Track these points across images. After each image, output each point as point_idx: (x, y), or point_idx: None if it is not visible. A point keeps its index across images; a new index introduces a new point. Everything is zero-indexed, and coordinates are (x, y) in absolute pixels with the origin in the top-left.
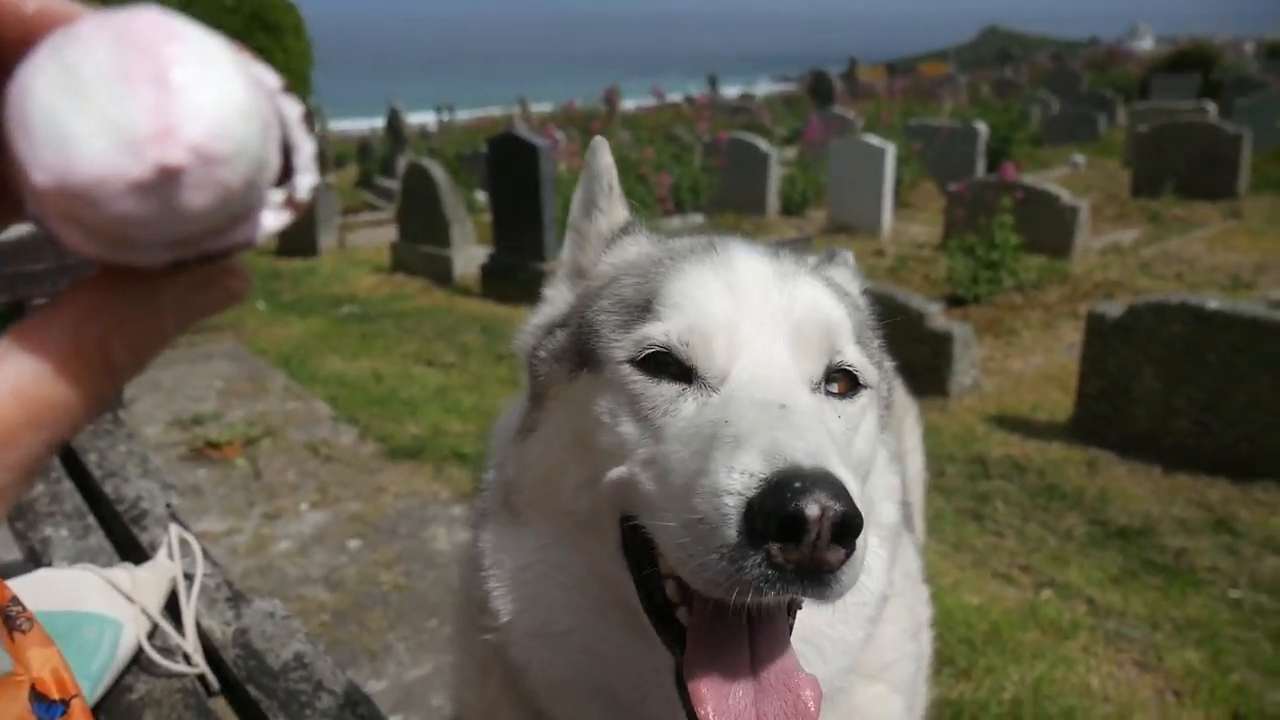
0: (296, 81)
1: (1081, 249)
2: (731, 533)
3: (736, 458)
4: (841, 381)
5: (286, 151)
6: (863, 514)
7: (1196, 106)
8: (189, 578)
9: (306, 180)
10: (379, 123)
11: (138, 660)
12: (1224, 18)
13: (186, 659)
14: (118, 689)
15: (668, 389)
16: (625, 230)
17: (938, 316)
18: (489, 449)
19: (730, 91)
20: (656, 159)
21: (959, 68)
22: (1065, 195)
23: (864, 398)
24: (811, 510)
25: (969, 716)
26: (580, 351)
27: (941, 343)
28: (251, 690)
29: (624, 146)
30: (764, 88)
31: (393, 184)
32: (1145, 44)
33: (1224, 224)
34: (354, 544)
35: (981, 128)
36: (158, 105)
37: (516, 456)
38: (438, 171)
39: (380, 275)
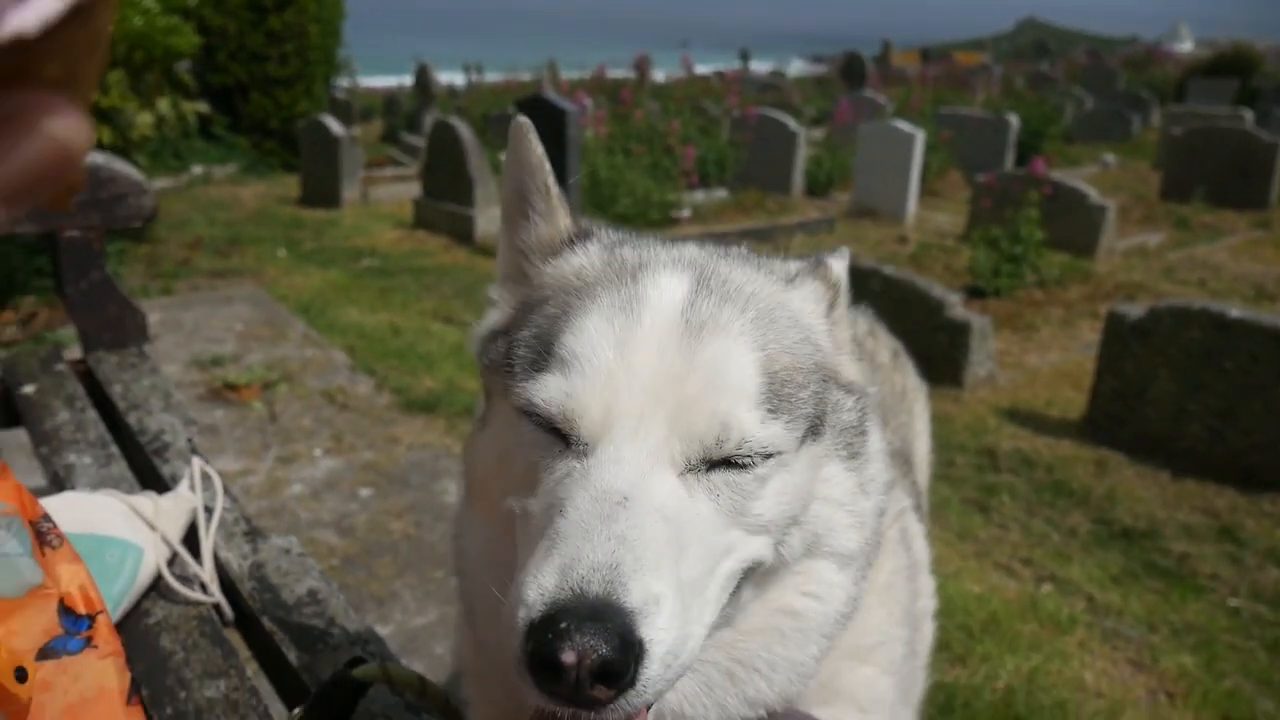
0: (328, 34)
1: (1106, 249)
2: (517, 644)
3: (543, 566)
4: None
5: None
6: (648, 642)
7: (1233, 112)
8: (209, 511)
9: None
10: (407, 80)
11: (156, 586)
12: (1267, 23)
13: (204, 588)
14: (137, 612)
15: (551, 446)
16: (574, 240)
17: (957, 307)
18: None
19: (761, 68)
20: (684, 131)
21: (994, 58)
22: (1093, 194)
23: (766, 466)
24: (567, 658)
25: (962, 701)
26: (505, 375)
27: (959, 333)
28: (266, 622)
29: (652, 116)
30: (796, 67)
31: (418, 140)
32: (1185, 46)
33: (1252, 234)
34: (365, 492)
35: (1013, 120)
36: None
37: (470, 448)
38: (464, 130)
39: (402, 230)
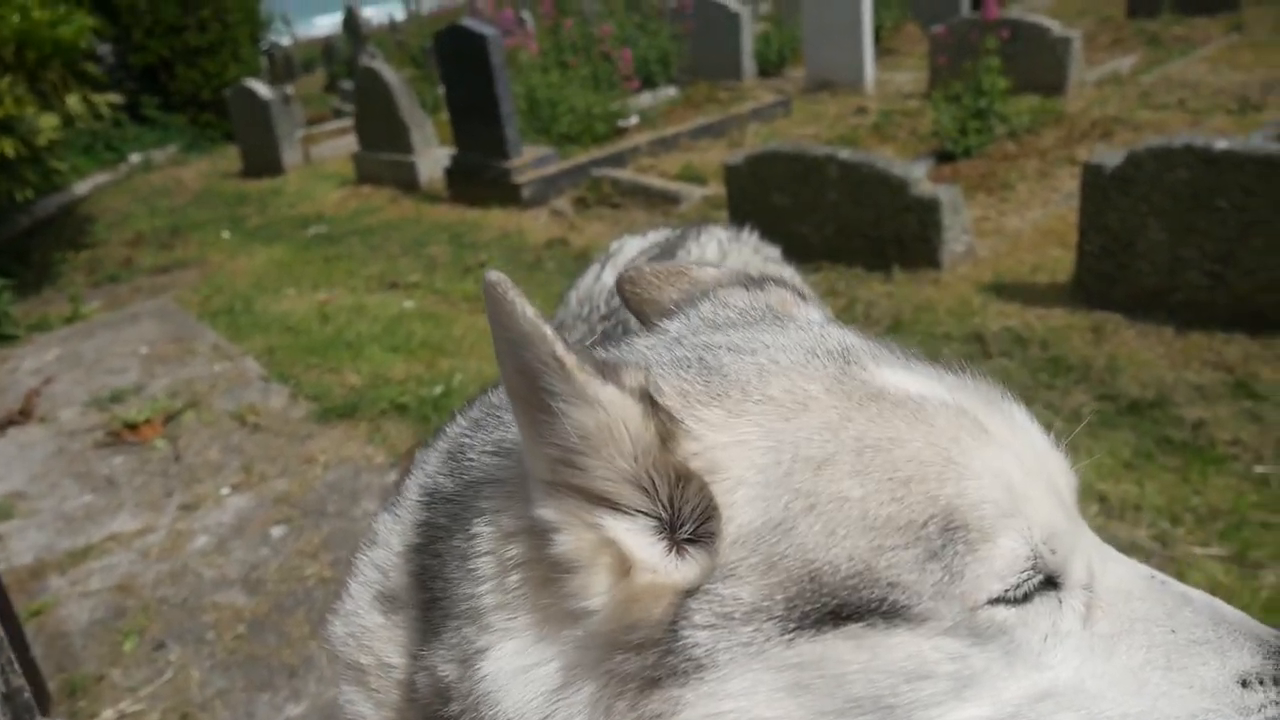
0: None
1: (1076, 83)
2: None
3: (1227, 663)
4: None
5: None
6: None
7: None
8: None
9: None
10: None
11: None
12: None
13: None
14: None
15: (1041, 608)
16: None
17: (922, 182)
18: None
19: None
20: (619, 33)
21: None
22: (1055, 26)
23: None
24: None
25: None
26: (831, 607)
27: (928, 210)
28: None
29: (586, 21)
30: None
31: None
32: None
33: (1227, 40)
34: (278, 531)
35: None
36: None
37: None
38: (389, 73)
39: (346, 189)
